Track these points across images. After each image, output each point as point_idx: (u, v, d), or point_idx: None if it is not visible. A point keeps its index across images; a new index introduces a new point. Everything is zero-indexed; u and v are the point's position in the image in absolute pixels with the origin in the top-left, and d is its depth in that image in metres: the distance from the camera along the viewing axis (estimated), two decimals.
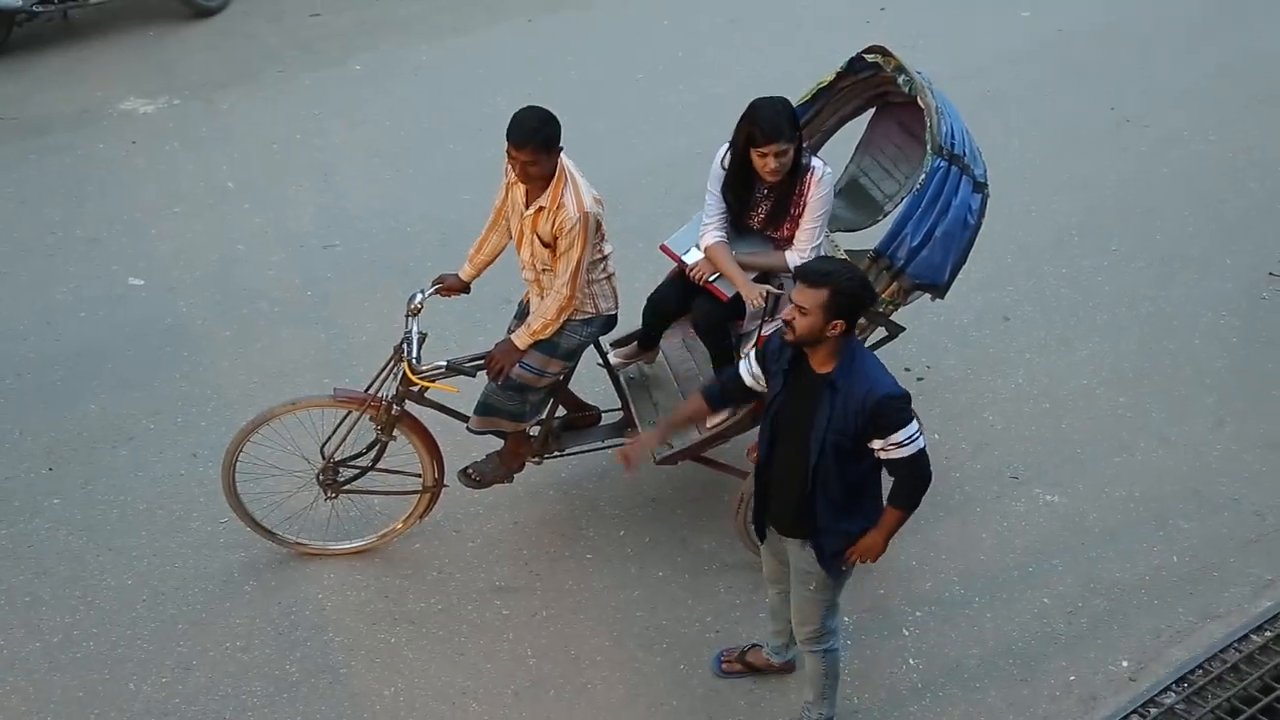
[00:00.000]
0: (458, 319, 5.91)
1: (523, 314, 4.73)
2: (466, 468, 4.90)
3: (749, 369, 3.82)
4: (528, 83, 8.22)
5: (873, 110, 5.08)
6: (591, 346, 4.71)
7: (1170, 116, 8.18)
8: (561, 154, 4.24)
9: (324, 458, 4.68)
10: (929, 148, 4.28)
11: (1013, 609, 4.86)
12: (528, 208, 4.32)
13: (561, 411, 5.01)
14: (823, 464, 3.59)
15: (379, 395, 4.56)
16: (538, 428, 4.85)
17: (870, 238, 4.70)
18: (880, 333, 4.65)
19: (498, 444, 4.88)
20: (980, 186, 4.46)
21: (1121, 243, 6.96)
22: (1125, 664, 4.66)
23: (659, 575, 4.97)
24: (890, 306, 4.46)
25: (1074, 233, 7.05)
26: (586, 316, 4.53)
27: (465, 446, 5.02)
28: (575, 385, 5.02)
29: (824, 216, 4.50)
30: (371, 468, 4.74)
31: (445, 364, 4.49)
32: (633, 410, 4.91)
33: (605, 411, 5.13)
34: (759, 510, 3.94)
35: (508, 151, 4.16)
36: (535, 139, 4.09)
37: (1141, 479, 5.44)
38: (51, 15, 8.91)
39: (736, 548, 4.93)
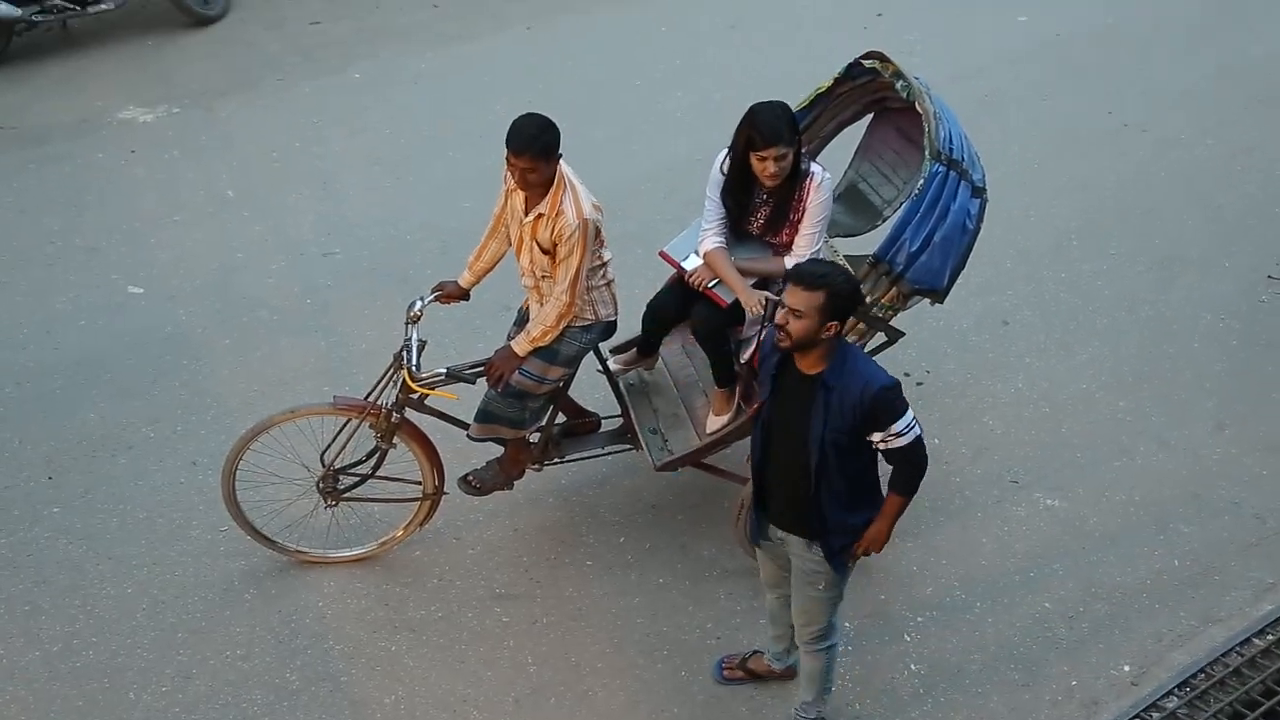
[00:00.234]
0: (457, 326, 5.91)
1: (522, 321, 4.73)
2: (467, 475, 4.90)
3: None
4: (527, 90, 8.23)
5: (871, 116, 5.08)
6: (591, 353, 4.71)
7: (1169, 119, 8.18)
8: (561, 161, 4.24)
9: (324, 465, 4.68)
10: (927, 153, 4.28)
11: (1014, 614, 4.85)
12: (527, 215, 4.32)
13: (561, 418, 5.00)
14: (824, 463, 3.61)
15: (379, 403, 4.56)
16: (538, 435, 4.85)
17: (869, 243, 4.70)
18: (880, 338, 4.65)
19: (498, 451, 4.87)
20: (979, 191, 4.46)
21: (1121, 246, 6.96)
22: (1127, 668, 4.65)
23: (659, 582, 4.96)
24: (890, 311, 4.46)
25: (1073, 236, 7.05)
26: (586, 323, 4.53)
27: (465, 454, 5.01)
28: (575, 392, 5.02)
29: (823, 222, 4.51)
30: (371, 475, 4.74)
31: (445, 371, 4.49)
32: (632, 417, 4.91)
33: (605, 418, 5.14)
34: (758, 512, 3.94)
35: (507, 159, 4.16)
36: (534, 146, 4.10)
37: (1142, 483, 5.44)
38: (51, 25, 8.91)
39: (737, 554, 4.93)
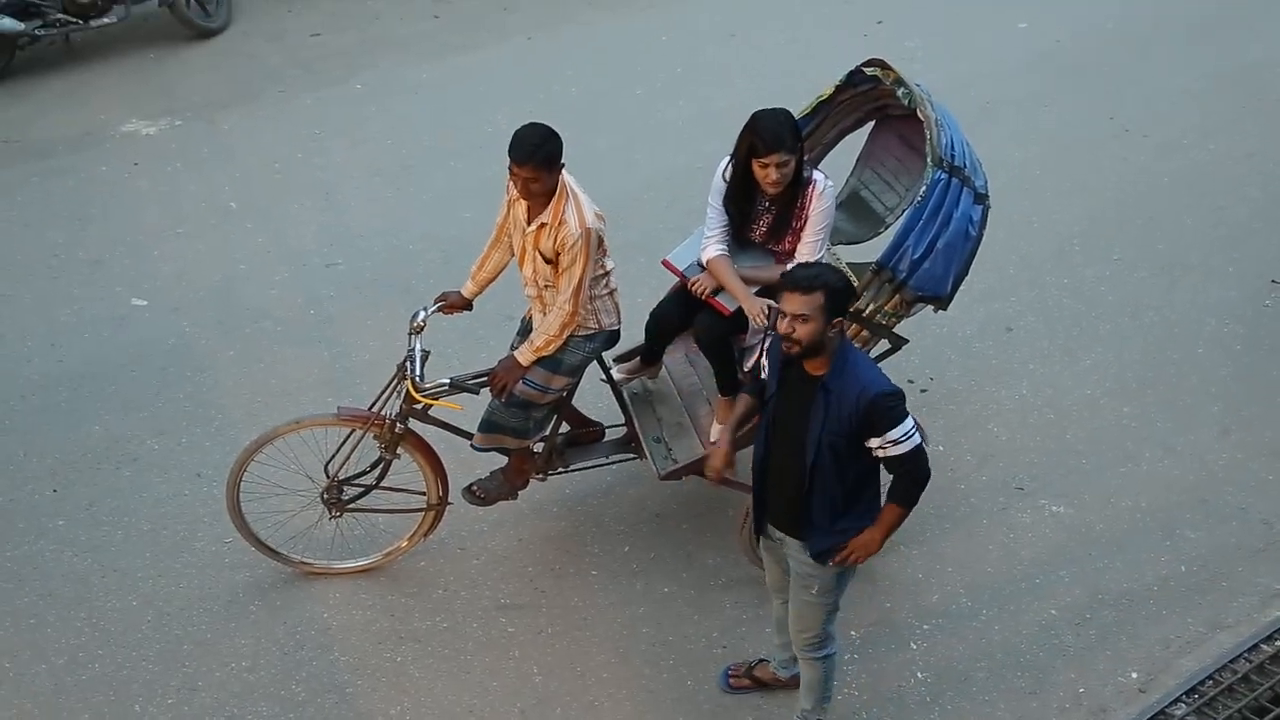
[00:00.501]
0: (460, 336, 5.91)
1: (526, 330, 4.74)
2: (471, 485, 4.90)
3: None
4: (528, 100, 8.25)
5: (872, 123, 5.08)
6: (595, 362, 4.71)
7: (1170, 124, 8.18)
8: (563, 170, 4.25)
9: (328, 476, 4.68)
10: (929, 160, 4.29)
11: (1020, 621, 4.84)
12: (530, 224, 4.32)
13: (565, 428, 5.00)
14: (819, 465, 3.61)
15: (383, 413, 4.56)
16: (542, 444, 4.85)
17: (872, 251, 4.69)
18: (883, 345, 4.65)
19: (502, 461, 4.87)
20: (981, 198, 4.46)
21: (1124, 252, 6.96)
22: (1134, 675, 4.64)
23: (665, 591, 4.95)
24: (893, 319, 4.45)
25: (1076, 243, 7.05)
26: (589, 332, 4.53)
27: (469, 464, 5.01)
28: (579, 401, 5.02)
29: (826, 229, 4.51)
30: (376, 486, 4.73)
31: (449, 381, 4.49)
32: (636, 425, 4.90)
33: (609, 427, 5.13)
34: (758, 510, 3.94)
35: (509, 168, 4.17)
36: (537, 156, 4.10)
37: (1148, 489, 5.43)
38: (53, 39, 8.94)
39: (742, 563, 4.92)
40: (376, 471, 4.71)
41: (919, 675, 4.64)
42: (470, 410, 4.64)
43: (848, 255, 5.01)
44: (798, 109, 4.79)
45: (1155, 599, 4.93)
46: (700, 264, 4.67)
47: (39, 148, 7.97)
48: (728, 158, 4.52)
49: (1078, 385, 6.01)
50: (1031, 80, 8.73)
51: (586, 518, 5.27)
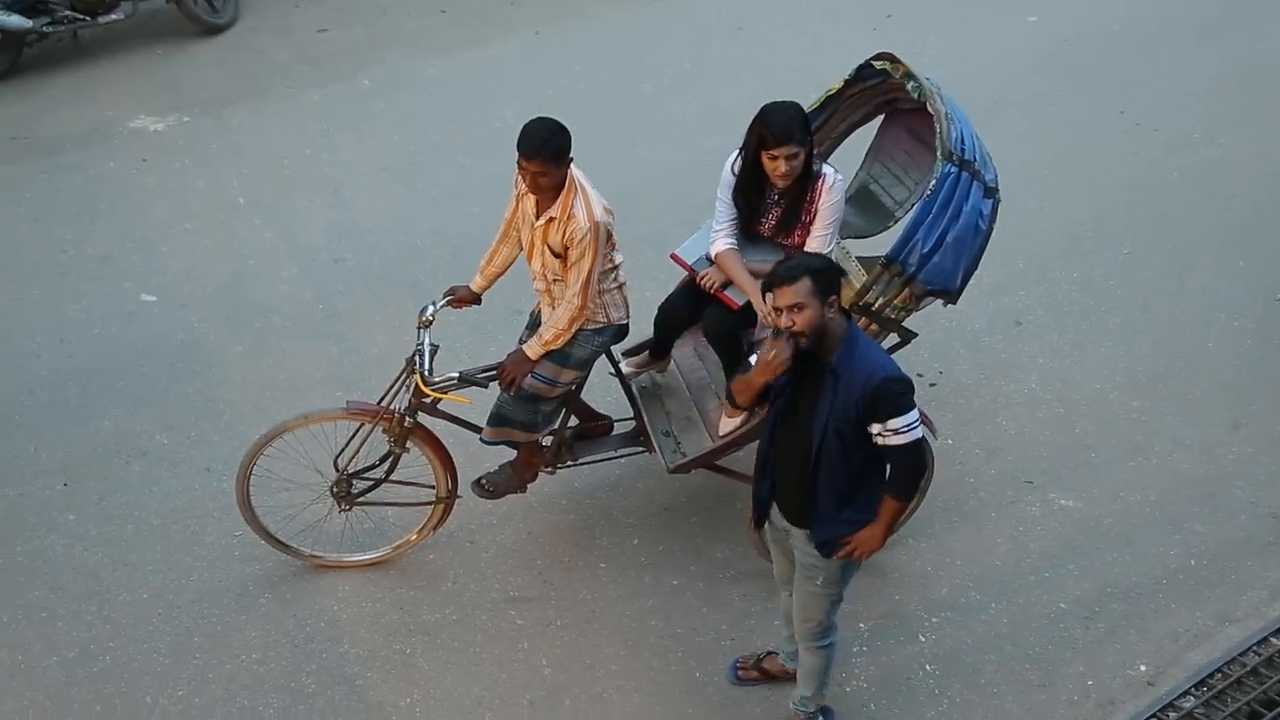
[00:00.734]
0: (469, 330, 5.92)
1: (534, 325, 4.74)
2: (480, 478, 4.91)
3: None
4: (536, 94, 8.25)
5: (882, 117, 5.08)
6: (603, 356, 4.71)
7: (1180, 119, 8.16)
8: (571, 164, 4.25)
9: (337, 470, 4.69)
10: (939, 153, 4.27)
11: (1029, 614, 4.84)
12: (538, 219, 4.33)
13: (574, 421, 5.01)
14: (825, 450, 3.61)
15: (391, 408, 4.57)
16: (550, 438, 4.86)
17: (881, 244, 4.68)
18: (893, 339, 4.64)
19: (511, 455, 4.88)
20: (991, 191, 4.45)
21: (1133, 246, 6.95)
22: (1143, 668, 4.64)
23: (673, 584, 4.96)
24: (902, 313, 4.45)
25: (1086, 237, 7.03)
26: (598, 326, 4.54)
27: (478, 457, 5.02)
28: (587, 395, 5.03)
29: (835, 224, 4.51)
30: (385, 480, 4.75)
31: (457, 375, 4.50)
32: (645, 419, 4.90)
33: (617, 421, 5.14)
34: (758, 500, 3.94)
35: (518, 163, 4.17)
36: (545, 150, 4.10)
37: (1157, 483, 5.42)
38: (61, 35, 8.95)
39: (750, 556, 4.92)
40: (385, 465, 4.72)
41: (927, 667, 4.64)
42: (479, 404, 4.65)
43: (857, 249, 5.00)
44: (807, 103, 4.79)
45: (1164, 592, 4.93)
46: (709, 258, 4.67)
47: (47, 144, 7.99)
48: (737, 151, 4.52)
49: (1087, 379, 6.01)
50: (1041, 74, 8.70)
51: (595, 511, 5.28)
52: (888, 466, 3.73)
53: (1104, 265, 6.79)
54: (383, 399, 4.58)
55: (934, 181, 4.26)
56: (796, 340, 3.50)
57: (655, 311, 4.91)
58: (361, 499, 4.80)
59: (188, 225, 7.17)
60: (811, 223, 4.50)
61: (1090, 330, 6.33)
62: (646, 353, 5.08)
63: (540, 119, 4.18)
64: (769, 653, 4.56)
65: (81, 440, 5.60)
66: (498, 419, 4.64)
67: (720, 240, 4.60)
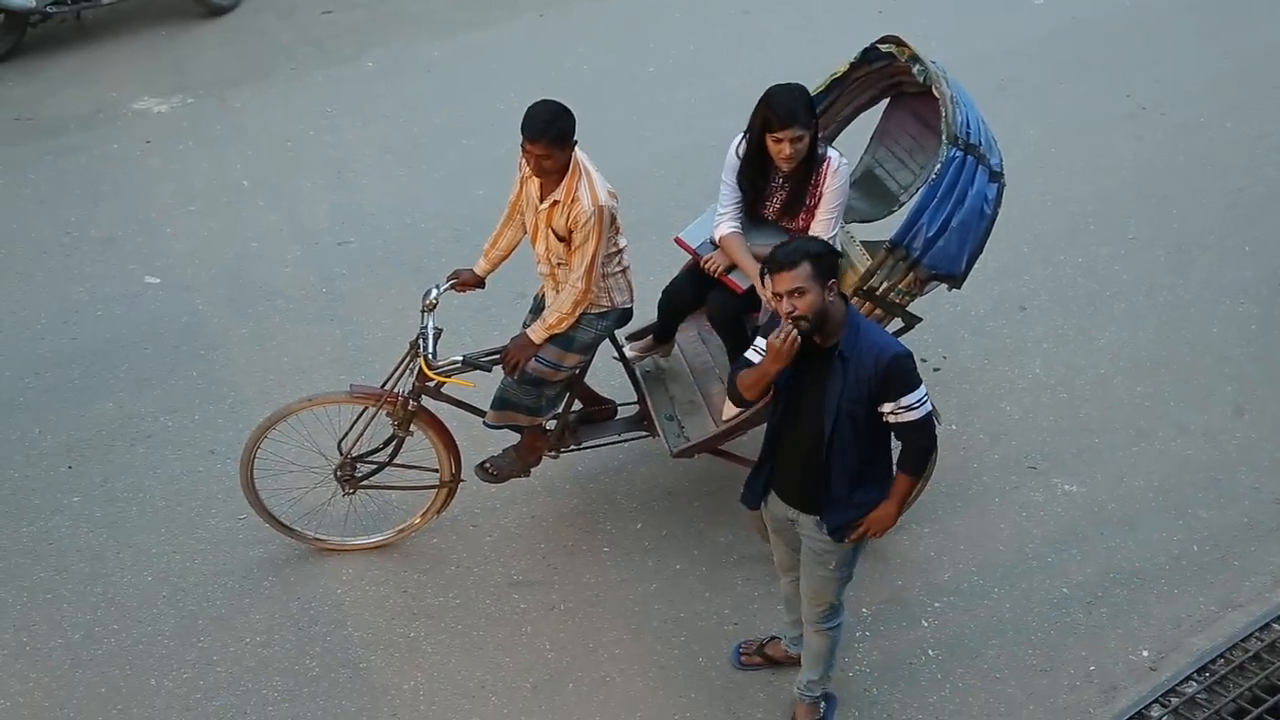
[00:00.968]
0: (473, 314, 5.92)
1: (538, 308, 4.73)
2: (483, 462, 4.91)
3: (757, 353, 3.79)
4: (540, 77, 8.21)
5: (887, 100, 5.05)
6: (607, 340, 4.71)
7: (1187, 103, 8.12)
8: (575, 147, 4.23)
9: (341, 453, 4.69)
10: (944, 137, 4.26)
11: (1032, 599, 4.85)
12: (542, 202, 4.32)
13: (578, 405, 5.01)
14: (838, 433, 3.61)
15: (395, 391, 4.57)
16: (554, 422, 4.86)
17: (886, 229, 4.68)
18: (897, 323, 4.63)
19: (514, 438, 4.88)
20: (996, 176, 4.43)
21: (1139, 231, 6.93)
22: (1146, 653, 4.65)
23: (676, 568, 4.97)
24: (906, 297, 4.44)
25: (1090, 221, 7.01)
26: (602, 310, 4.53)
27: (482, 441, 5.02)
28: (591, 379, 5.02)
29: (840, 208, 4.49)
30: (389, 463, 4.75)
31: (461, 359, 4.50)
32: (649, 403, 4.90)
33: (621, 405, 5.13)
34: (760, 479, 3.94)
35: (522, 146, 4.16)
36: (549, 133, 4.09)
37: (1160, 468, 5.42)
38: (65, 16, 8.93)
39: (754, 540, 4.93)
40: (389, 449, 4.72)
41: (930, 652, 4.65)
42: (483, 388, 4.65)
43: (861, 233, 4.98)
44: (812, 86, 4.76)
45: (1167, 578, 4.93)
46: (713, 242, 4.66)
47: (51, 125, 7.97)
48: (741, 134, 4.50)
49: (1091, 364, 6.00)
50: (1047, 57, 8.66)
51: (599, 495, 5.28)
52: (895, 447, 3.73)
53: (1109, 250, 6.77)
54: (386, 382, 4.58)
55: (939, 166, 4.25)
56: (799, 325, 3.49)
57: (659, 295, 4.91)
58: (365, 482, 4.80)
59: (191, 207, 7.16)
60: (816, 206, 4.49)
61: (1094, 315, 6.31)
62: (650, 337, 5.08)
63: (544, 101, 4.17)
64: (772, 638, 4.57)
65: (86, 422, 5.60)
66: (501, 403, 4.63)
67: (724, 224, 4.58)
